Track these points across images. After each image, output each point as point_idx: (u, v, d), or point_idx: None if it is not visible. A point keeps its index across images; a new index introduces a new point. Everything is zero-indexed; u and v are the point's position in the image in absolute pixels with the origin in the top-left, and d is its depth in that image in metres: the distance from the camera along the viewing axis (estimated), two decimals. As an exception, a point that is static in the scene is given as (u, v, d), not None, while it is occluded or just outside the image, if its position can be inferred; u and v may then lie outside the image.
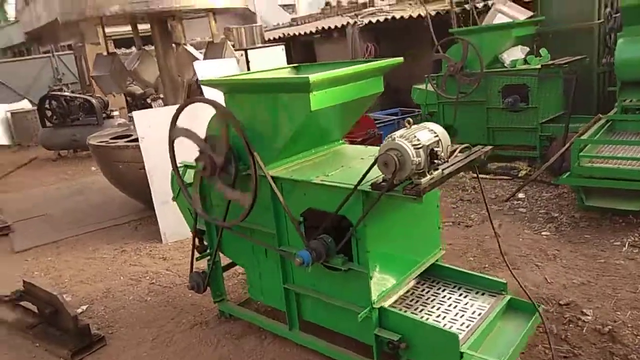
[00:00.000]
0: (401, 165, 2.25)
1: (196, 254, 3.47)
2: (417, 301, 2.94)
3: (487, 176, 6.05)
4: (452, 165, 2.49)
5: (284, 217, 2.91)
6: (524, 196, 5.37)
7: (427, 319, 2.74)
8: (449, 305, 2.88)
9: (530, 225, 4.66)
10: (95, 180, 8.16)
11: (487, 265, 4.02)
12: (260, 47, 9.79)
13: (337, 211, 2.54)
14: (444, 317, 2.78)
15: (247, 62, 9.24)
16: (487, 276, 3.00)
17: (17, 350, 3.52)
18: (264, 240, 3.05)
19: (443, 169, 2.44)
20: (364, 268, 2.61)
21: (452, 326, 2.68)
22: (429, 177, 2.35)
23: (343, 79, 2.74)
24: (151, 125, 5.20)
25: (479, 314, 2.78)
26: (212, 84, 3.04)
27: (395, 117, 8.10)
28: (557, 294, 3.48)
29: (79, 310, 3.98)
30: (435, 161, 2.33)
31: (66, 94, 10.73)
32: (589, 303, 3.32)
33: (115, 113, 10.78)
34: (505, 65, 6.32)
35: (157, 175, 4.99)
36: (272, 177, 2.80)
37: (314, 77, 2.51)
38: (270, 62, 9.53)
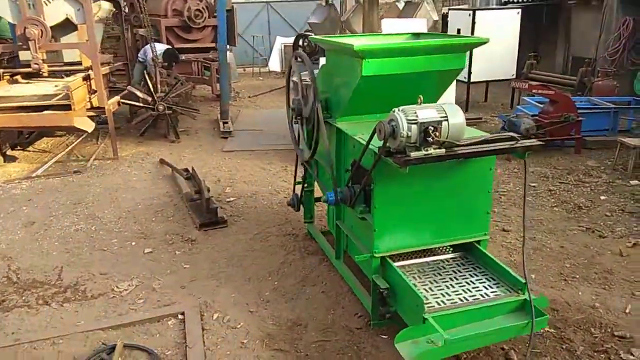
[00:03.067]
0: (390, 134, 2.53)
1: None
2: (433, 269, 3.15)
3: None
4: (457, 147, 2.60)
5: (338, 162, 3.42)
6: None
7: (423, 284, 2.96)
8: (458, 283, 3.00)
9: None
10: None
11: (577, 277, 3.74)
12: (491, 9, 9.48)
13: (358, 163, 2.94)
14: (443, 288, 2.94)
15: (473, 23, 9.13)
16: (510, 271, 2.96)
17: (179, 213, 4.98)
18: (328, 180, 3.62)
19: (449, 149, 2.58)
20: (371, 220, 2.98)
21: (440, 297, 2.85)
22: (421, 152, 2.55)
23: (402, 51, 2.99)
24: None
25: (476, 299, 2.85)
26: (315, 41, 3.62)
27: (612, 107, 7.10)
28: (620, 325, 3.14)
29: (228, 200, 5.28)
30: (428, 139, 2.51)
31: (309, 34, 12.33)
32: (648, 346, 2.93)
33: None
34: None
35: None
36: (337, 128, 3.33)
37: (362, 46, 2.87)
38: (500, 26, 9.19)
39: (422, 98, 2.63)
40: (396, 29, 6.17)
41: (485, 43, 3.12)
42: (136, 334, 3.16)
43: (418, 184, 2.97)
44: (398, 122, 2.50)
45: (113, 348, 2.97)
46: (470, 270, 3.13)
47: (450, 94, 5.85)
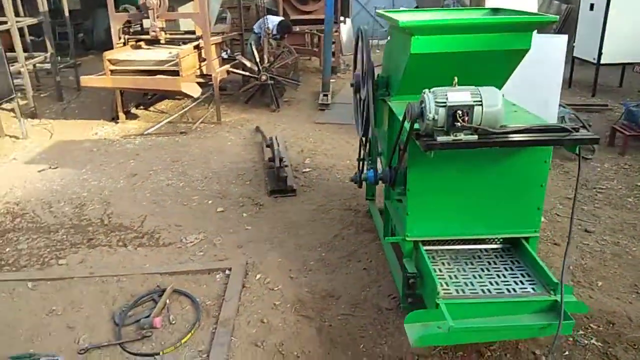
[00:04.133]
0: (418, 116, 2.45)
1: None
2: (468, 257, 3.02)
3: None
4: (492, 135, 2.43)
5: (390, 141, 3.37)
6: None
7: (450, 271, 2.87)
8: (488, 275, 2.85)
9: None
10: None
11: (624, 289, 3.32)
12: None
13: (397, 143, 2.90)
14: (469, 277, 2.82)
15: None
16: (546, 270, 2.73)
17: (257, 178, 5.28)
18: (383, 159, 3.59)
19: (482, 136, 2.43)
20: (405, 202, 2.93)
21: (462, 286, 2.74)
22: (450, 137, 2.44)
23: (455, 28, 2.84)
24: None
25: (501, 292, 2.69)
26: (378, 15, 3.55)
27: None
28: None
29: (305, 170, 5.46)
30: (456, 123, 2.38)
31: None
32: None
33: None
34: None
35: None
36: (389, 107, 3.28)
37: (411, 22, 2.78)
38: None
39: (456, 79, 2.49)
40: (502, 4, 5.72)
41: (554, 22, 2.82)
42: (188, 282, 3.50)
43: (459, 170, 2.84)
44: (426, 104, 2.42)
45: (164, 291, 3.34)
46: (508, 264, 2.95)
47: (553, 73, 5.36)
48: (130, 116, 7.69)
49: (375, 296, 3.32)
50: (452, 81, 2.65)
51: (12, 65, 7.27)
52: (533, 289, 2.73)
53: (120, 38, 7.09)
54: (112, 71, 6.61)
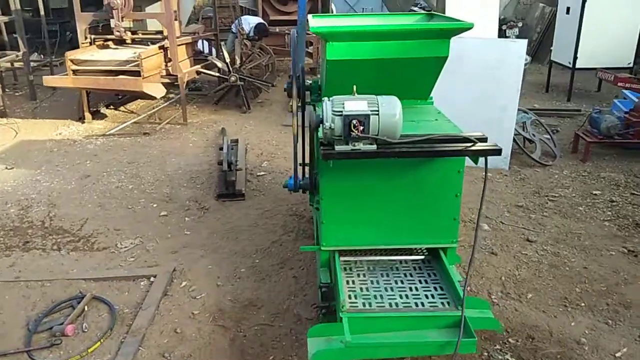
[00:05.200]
0: (317, 125, 2.40)
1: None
2: (384, 269, 2.94)
3: None
4: (392, 145, 2.38)
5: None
6: None
7: (363, 282, 2.81)
8: (401, 287, 2.77)
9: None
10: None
11: (582, 305, 3.25)
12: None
13: (311, 149, 2.84)
14: (380, 290, 2.75)
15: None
16: (456, 284, 2.65)
17: (210, 181, 5.22)
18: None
19: (382, 146, 2.38)
20: (320, 211, 2.87)
21: (370, 299, 2.67)
22: (347, 146, 2.38)
23: (370, 35, 2.77)
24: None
25: (408, 307, 2.62)
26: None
27: None
28: None
29: (259, 174, 5.40)
30: (352, 133, 2.32)
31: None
32: None
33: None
34: None
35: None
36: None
37: (325, 27, 2.72)
38: (619, 3, 7.96)
39: (355, 88, 2.44)
40: (464, 6, 5.70)
41: (470, 28, 2.76)
42: (111, 289, 3.45)
43: (372, 179, 2.77)
44: (324, 113, 2.36)
45: (84, 297, 3.29)
46: (424, 277, 2.88)
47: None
48: (98, 116, 7.64)
49: (299, 305, 3.27)
50: (375, 87, 2.62)
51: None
52: (442, 303, 2.66)
53: (86, 38, 7.04)
54: (74, 71, 6.56)
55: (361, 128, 2.32)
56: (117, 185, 5.16)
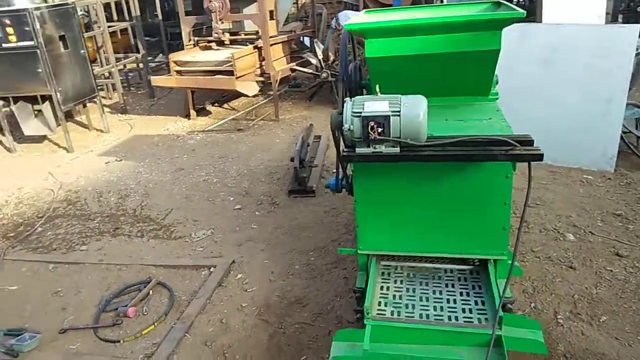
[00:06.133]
0: (335, 125, 2.34)
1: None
2: (425, 276, 2.79)
3: None
4: (417, 148, 2.24)
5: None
6: None
7: (398, 289, 2.69)
8: (437, 298, 2.61)
9: None
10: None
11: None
12: None
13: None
14: (414, 299, 2.61)
15: None
16: (497, 299, 2.42)
17: (286, 177, 5.34)
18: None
19: (406, 148, 2.26)
20: (355, 214, 2.80)
21: (401, 308, 2.55)
22: (368, 149, 2.29)
23: (409, 29, 2.62)
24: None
25: (440, 320, 2.45)
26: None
27: None
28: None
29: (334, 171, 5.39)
30: (370, 134, 2.23)
31: None
32: None
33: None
34: None
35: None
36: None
37: (365, 25, 2.65)
38: None
39: (379, 87, 2.33)
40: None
41: (522, 17, 2.48)
42: (176, 276, 3.71)
43: (408, 182, 2.63)
44: (345, 114, 2.30)
45: (150, 282, 3.58)
46: (467, 289, 2.67)
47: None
48: (203, 113, 8.21)
49: (343, 308, 3.23)
50: (426, 84, 2.50)
51: (104, 66, 8.19)
52: (479, 319, 2.45)
53: (190, 40, 7.59)
54: (177, 71, 7.11)
55: (379, 130, 2.22)
56: (204, 179, 5.51)
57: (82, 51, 6.93)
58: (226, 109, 8.55)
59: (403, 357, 2.33)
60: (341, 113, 2.32)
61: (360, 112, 2.24)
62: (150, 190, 5.35)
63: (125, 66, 10.22)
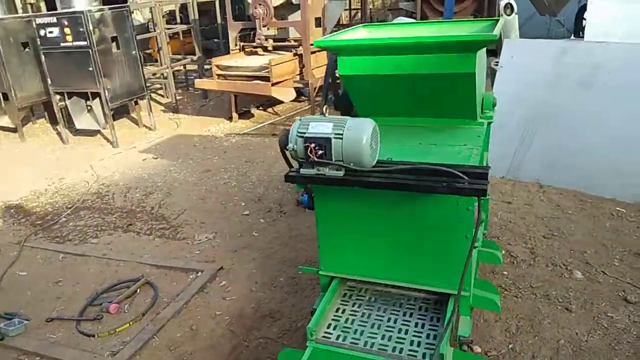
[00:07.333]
0: (282, 144, 2.31)
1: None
2: (386, 302, 2.69)
3: None
4: (359, 174, 2.15)
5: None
6: None
7: (353, 313, 2.61)
8: (391, 327, 2.50)
9: None
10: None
11: None
12: None
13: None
14: (366, 325, 2.52)
15: None
16: (445, 337, 2.27)
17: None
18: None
19: (350, 173, 2.18)
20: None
21: (349, 333, 2.47)
22: (310, 170, 2.24)
23: (378, 49, 2.52)
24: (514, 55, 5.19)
25: (383, 350, 2.34)
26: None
27: None
28: None
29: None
30: (309, 156, 2.17)
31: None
32: None
33: None
34: None
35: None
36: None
37: (336, 42, 2.59)
38: None
39: (326, 108, 2.26)
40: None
41: (494, 40, 2.31)
42: (166, 277, 3.82)
43: (369, 208, 2.53)
44: (291, 133, 2.26)
45: (139, 280, 3.71)
46: (425, 320, 2.53)
47: None
48: (246, 116, 8.40)
49: (312, 326, 3.16)
50: (410, 106, 2.42)
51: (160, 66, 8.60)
52: (424, 355, 2.32)
53: (236, 45, 7.79)
54: (218, 75, 7.33)
55: (319, 152, 2.16)
56: (224, 182, 5.63)
57: (134, 52, 7.32)
58: (269, 113, 8.69)
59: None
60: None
61: (304, 133, 2.19)
62: (174, 189, 5.54)
63: (184, 67, 10.68)
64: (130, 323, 3.28)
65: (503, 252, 3.82)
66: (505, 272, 3.60)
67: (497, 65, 5.55)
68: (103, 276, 3.88)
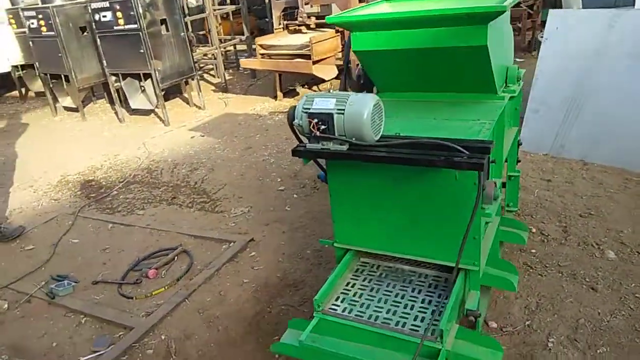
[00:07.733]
0: (290, 119, 2.39)
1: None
2: (397, 278, 2.75)
3: None
4: (363, 148, 2.22)
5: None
6: None
7: (362, 287, 2.69)
8: (397, 301, 2.56)
9: None
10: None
11: None
12: None
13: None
14: (373, 299, 2.60)
15: None
16: (448, 311, 2.30)
17: (340, 162, 5.41)
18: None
19: (353, 147, 2.25)
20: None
21: (355, 306, 2.56)
22: (315, 145, 2.32)
23: (391, 23, 2.53)
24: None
25: (387, 323, 2.41)
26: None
27: None
28: None
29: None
30: (312, 130, 2.25)
31: None
32: None
33: None
34: None
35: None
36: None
37: (350, 17, 2.64)
38: None
39: (332, 85, 2.31)
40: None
41: (504, 11, 2.27)
42: (202, 247, 4.05)
43: (379, 181, 2.58)
44: (297, 109, 2.34)
45: (177, 248, 3.97)
46: (432, 296, 2.58)
47: None
48: (291, 94, 8.53)
49: (333, 296, 3.28)
50: (427, 80, 2.44)
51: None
52: (426, 330, 2.37)
53: (280, 24, 7.89)
54: (261, 54, 7.47)
55: (322, 127, 2.23)
56: (264, 159, 5.81)
57: (182, 34, 7.60)
58: (315, 91, 8.76)
59: (334, 355, 2.35)
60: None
61: (309, 109, 2.27)
62: (217, 165, 5.78)
63: (235, 47, 10.92)
64: (166, 287, 3.53)
65: (533, 230, 3.76)
66: (533, 250, 3.55)
67: (542, 37, 5.33)
68: (145, 244, 4.17)
